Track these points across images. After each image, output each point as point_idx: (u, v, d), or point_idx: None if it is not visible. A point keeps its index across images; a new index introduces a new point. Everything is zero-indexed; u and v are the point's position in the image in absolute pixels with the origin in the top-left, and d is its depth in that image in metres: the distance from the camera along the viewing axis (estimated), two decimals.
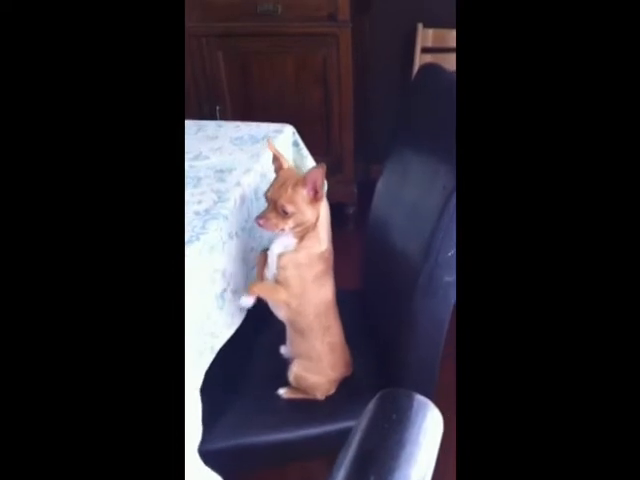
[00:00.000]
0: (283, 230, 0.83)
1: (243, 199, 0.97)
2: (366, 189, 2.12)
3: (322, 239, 0.86)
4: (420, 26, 1.90)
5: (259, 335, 1.07)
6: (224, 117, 1.99)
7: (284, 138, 1.20)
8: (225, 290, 0.89)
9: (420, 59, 1.92)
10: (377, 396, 0.41)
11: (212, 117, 1.98)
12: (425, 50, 1.91)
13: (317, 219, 0.83)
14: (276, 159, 0.87)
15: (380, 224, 1.00)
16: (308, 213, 0.82)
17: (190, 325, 0.79)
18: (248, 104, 2.01)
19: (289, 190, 0.80)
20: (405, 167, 0.94)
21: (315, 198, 0.81)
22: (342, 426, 0.89)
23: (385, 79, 2.20)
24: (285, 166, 0.85)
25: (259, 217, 0.83)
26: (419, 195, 0.84)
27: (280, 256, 0.86)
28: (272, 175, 1.13)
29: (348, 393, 0.95)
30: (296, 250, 0.85)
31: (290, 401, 0.94)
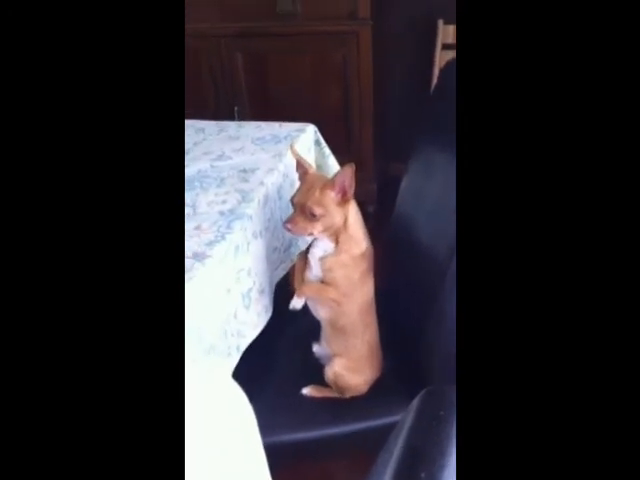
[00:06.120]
0: (312, 234, 0.82)
1: (266, 199, 0.97)
2: (386, 187, 2.11)
3: (358, 239, 0.85)
4: (441, 22, 1.88)
5: (282, 334, 1.07)
6: (243, 118, 2.00)
7: (306, 137, 1.20)
8: (251, 289, 0.89)
9: (441, 56, 1.90)
10: (422, 392, 0.40)
11: (231, 118, 1.99)
12: (446, 47, 1.90)
13: (345, 221, 0.83)
14: (300, 166, 0.86)
15: (404, 222, 1.00)
16: (336, 215, 0.81)
17: (218, 324, 0.80)
18: (267, 105, 2.01)
19: (317, 193, 0.79)
20: (429, 165, 0.93)
21: (344, 199, 0.80)
22: (367, 425, 0.89)
23: (405, 76, 2.18)
24: (310, 171, 0.85)
25: (287, 221, 0.82)
26: (444, 193, 0.83)
27: (323, 259, 0.85)
28: (294, 175, 1.13)
29: (373, 392, 0.94)
30: (337, 253, 0.85)
31: (314, 400, 0.94)
